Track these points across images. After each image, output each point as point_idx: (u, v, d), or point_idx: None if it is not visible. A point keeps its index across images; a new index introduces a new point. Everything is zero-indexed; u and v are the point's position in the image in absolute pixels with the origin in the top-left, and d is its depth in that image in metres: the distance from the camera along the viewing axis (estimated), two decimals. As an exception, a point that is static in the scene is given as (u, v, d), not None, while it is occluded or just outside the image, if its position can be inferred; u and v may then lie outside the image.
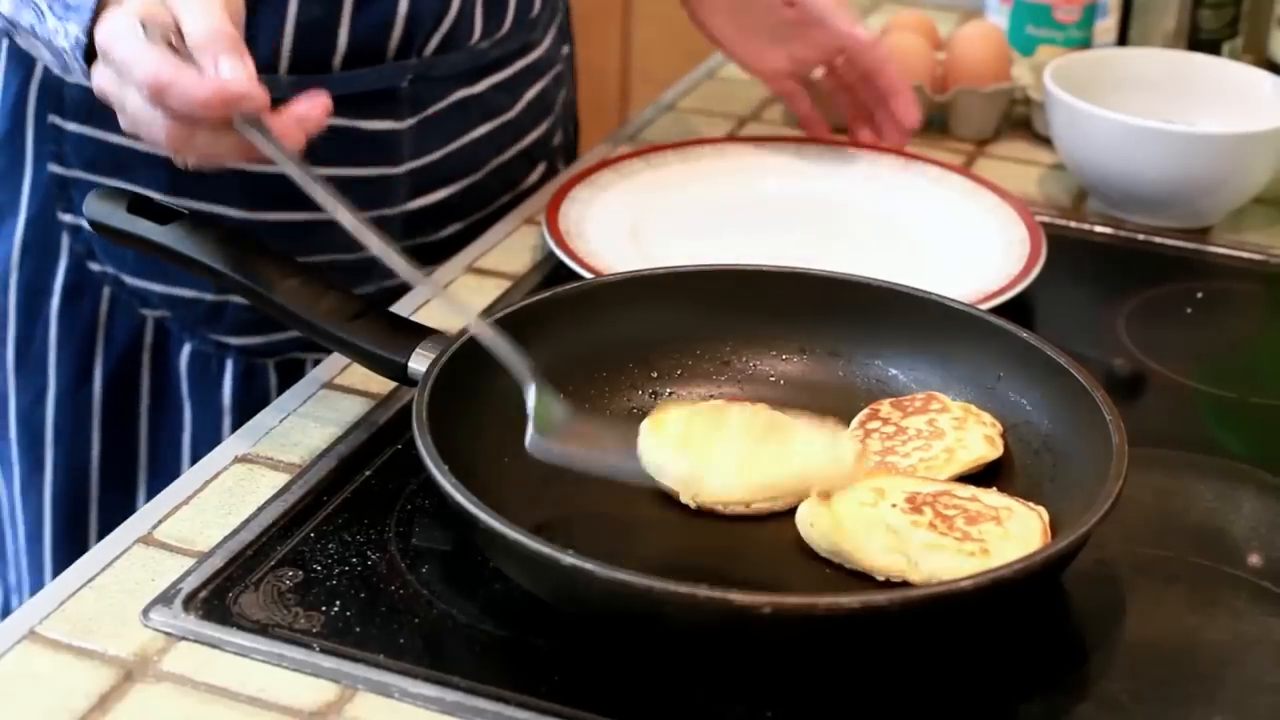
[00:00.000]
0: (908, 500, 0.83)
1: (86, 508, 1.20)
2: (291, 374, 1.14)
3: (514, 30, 1.21)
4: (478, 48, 1.19)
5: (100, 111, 1.10)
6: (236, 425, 1.07)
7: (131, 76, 0.87)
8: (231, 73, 0.85)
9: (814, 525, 0.84)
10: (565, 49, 1.33)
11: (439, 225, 1.22)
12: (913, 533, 0.81)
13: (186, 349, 1.18)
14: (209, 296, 1.15)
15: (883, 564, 0.82)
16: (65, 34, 0.91)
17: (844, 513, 0.83)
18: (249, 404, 1.15)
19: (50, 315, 1.17)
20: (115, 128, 1.10)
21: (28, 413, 1.19)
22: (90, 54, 0.90)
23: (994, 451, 0.90)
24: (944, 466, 0.89)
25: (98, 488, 1.20)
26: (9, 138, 1.16)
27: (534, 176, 1.32)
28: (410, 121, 1.16)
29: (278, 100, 0.88)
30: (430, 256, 1.21)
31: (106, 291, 1.17)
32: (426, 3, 1.12)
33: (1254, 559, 0.90)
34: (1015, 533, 0.82)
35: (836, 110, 1.33)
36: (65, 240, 1.16)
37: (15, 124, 1.16)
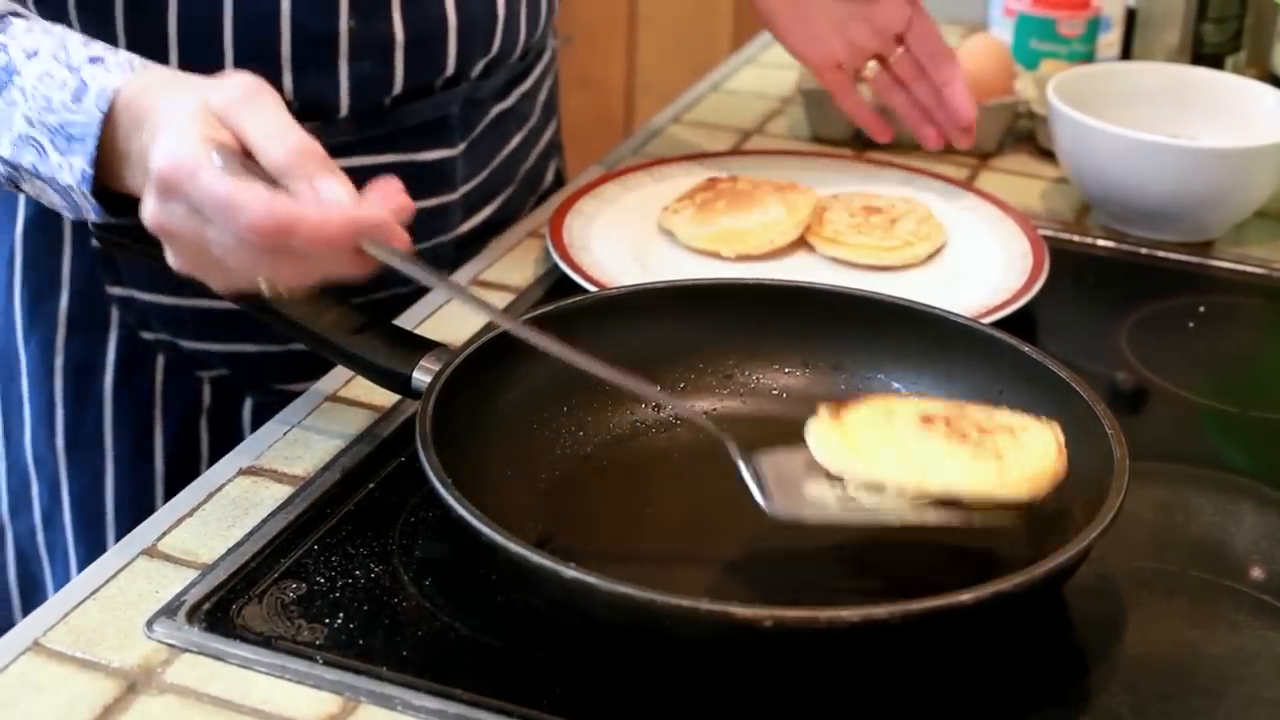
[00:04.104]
0: (922, 418, 0.83)
1: None
2: None
3: (540, 37, 1.22)
4: (513, 63, 1.19)
5: None
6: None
7: (232, 219, 0.76)
8: (342, 196, 0.77)
9: (825, 443, 0.83)
10: (554, 40, 1.32)
11: (483, 243, 1.22)
12: (926, 442, 0.81)
13: (249, 404, 1.15)
14: (274, 349, 1.13)
15: (894, 477, 0.80)
16: (70, 169, 0.83)
17: (855, 429, 0.82)
18: None
19: (104, 393, 1.13)
20: None
21: (84, 496, 1.16)
22: (97, 189, 0.83)
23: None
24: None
25: None
26: (42, 218, 1.11)
27: (549, 176, 1.32)
28: (461, 147, 1.16)
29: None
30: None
31: (161, 360, 1.13)
32: (474, 38, 1.11)
33: (1255, 573, 0.90)
34: (1028, 444, 0.82)
35: (893, 111, 1.30)
36: (115, 314, 1.12)
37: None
